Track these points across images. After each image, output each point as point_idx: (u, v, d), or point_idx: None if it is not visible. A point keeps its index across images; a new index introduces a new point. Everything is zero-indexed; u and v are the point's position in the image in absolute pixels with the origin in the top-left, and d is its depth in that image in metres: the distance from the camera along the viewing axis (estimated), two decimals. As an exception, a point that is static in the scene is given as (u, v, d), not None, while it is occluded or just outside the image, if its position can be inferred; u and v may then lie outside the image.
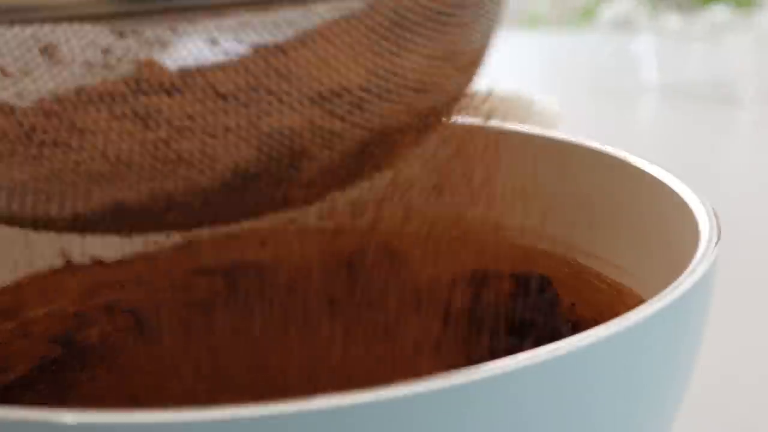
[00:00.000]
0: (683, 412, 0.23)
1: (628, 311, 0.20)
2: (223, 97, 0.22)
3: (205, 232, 0.33)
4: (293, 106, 0.23)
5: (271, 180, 0.24)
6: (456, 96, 0.26)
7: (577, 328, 0.30)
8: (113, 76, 0.22)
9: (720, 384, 0.38)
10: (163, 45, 0.22)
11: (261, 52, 0.22)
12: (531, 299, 0.32)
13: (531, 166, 0.32)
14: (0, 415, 0.17)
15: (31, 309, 0.32)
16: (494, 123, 0.33)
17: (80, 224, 0.24)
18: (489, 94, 0.30)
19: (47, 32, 0.21)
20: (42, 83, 0.22)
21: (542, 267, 0.32)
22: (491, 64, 0.28)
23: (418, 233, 0.33)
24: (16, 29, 0.21)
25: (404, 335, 0.33)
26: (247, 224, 0.33)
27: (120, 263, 0.33)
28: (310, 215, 0.33)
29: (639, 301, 0.27)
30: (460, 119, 0.33)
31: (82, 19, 0.21)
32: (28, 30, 0.21)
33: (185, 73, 0.22)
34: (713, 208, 0.26)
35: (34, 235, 0.26)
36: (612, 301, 0.29)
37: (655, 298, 0.21)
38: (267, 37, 0.22)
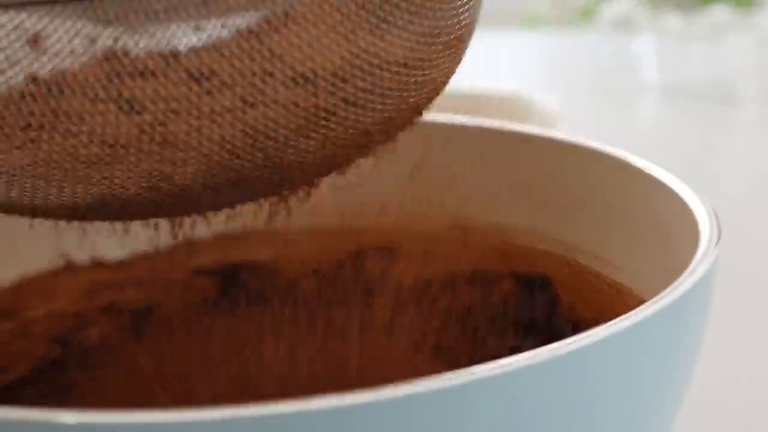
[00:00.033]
0: (683, 412, 0.23)
1: (628, 311, 0.20)
2: (208, 79, 0.22)
3: (205, 232, 0.33)
4: (277, 89, 0.22)
5: (261, 162, 0.24)
6: (446, 74, 0.26)
7: (577, 328, 0.30)
8: (95, 60, 0.22)
9: (720, 384, 0.38)
10: (146, 28, 0.22)
11: (244, 33, 0.22)
12: (531, 299, 0.32)
13: (531, 166, 0.32)
14: (0, 415, 0.17)
15: (31, 309, 0.32)
16: (494, 123, 0.33)
17: (80, 212, 0.24)
18: (489, 94, 0.30)
19: (34, 21, 0.21)
20: (25, 68, 0.22)
21: (542, 267, 0.32)
22: (491, 64, 0.28)
23: (418, 233, 0.33)
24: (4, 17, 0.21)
25: (404, 335, 0.33)
26: (247, 224, 0.33)
27: (120, 263, 0.33)
28: (309, 215, 0.33)
29: (639, 301, 0.27)
30: (460, 119, 0.33)
31: (65, 3, 0.21)
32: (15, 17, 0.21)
33: (167, 55, 0.22)
34: (713, 208, 0.26)
35: (34, 235, 0.26)
36: (612, 301, 0.29)
37: (655, 299, 0.21)
38: (252, 17, 0.22)
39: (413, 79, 0.25)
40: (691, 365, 0.23)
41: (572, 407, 0.20)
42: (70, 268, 0.33)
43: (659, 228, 0.27)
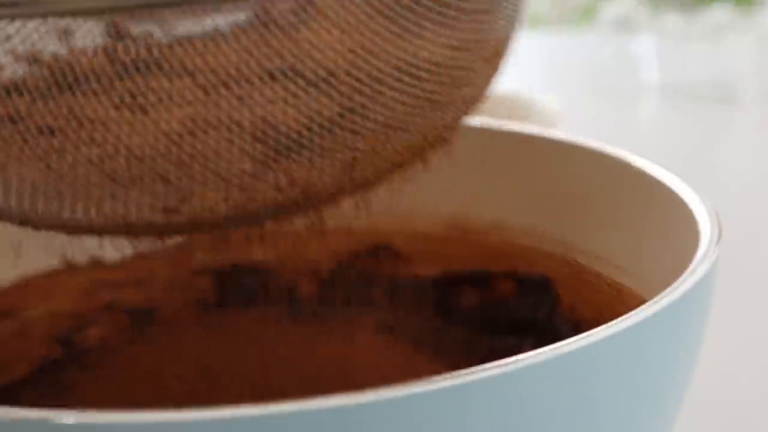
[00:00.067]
0: (683, 412, 0.23)
1: (628, 311, 0.20)
2: (225, 84, 0.22)
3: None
4: (295, 92, 0.22)
5: (281, 168, 0.23)
6: (483, 87, 0.26)
7: (577, 328, 0.30)
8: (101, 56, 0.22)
9: (720, 384, 0.38)
10: (159, 24, 0.22)
11: (260, 30, 0.22)
12: (531, 299, 0.32)
13: (531, 166, 0.32)
14: (0, 415, 0.17)
15: (31, 309, 0.32)
16: (494, 123, 0.33)
17: (96, 228, 0.24)
18: (489, 94, 0.30)
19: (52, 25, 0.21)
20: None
21: (542, 267, 0.32)
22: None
23: (418, 233, 0.33)
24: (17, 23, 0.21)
25: (404, 335, 0.33)
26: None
27: (120, 263, 0.33)
28: (309, 215, 0.33)
29: (639, 301, 0.27)
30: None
31: (75, 14, 0.21)
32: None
33: (178, 52, 0.22)
34: (713, 208, 0.26)
35: (34, 235, 0.26)
36: (612, 301, 0.29)
37: (656, 299, 0.21)
38: (265, 16, 0.22)
39: (445, 98, 0.24)
40: (691, 365, 0.23)
41: (572, 407, 0.20)
42: (70, 268, 0.33)
43: (660, 228, 0.27)
